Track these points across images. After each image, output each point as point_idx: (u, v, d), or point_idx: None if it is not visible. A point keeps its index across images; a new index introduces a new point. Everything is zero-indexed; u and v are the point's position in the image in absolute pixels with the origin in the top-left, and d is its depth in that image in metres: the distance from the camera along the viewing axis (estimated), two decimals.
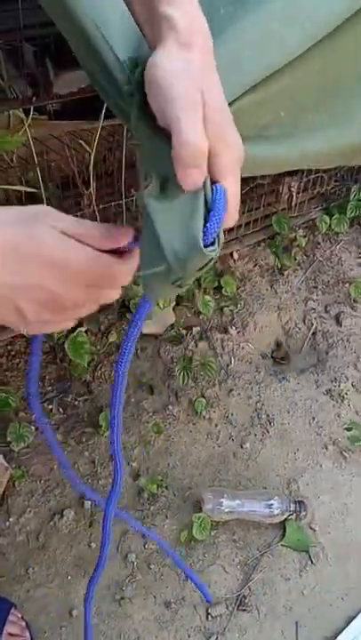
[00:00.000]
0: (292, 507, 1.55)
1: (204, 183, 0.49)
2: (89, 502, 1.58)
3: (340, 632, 1.38)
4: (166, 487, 1.63)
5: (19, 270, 0.51)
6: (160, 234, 0.49)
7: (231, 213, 0.51)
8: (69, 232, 0.53)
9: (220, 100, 0.50)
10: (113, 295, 0.58)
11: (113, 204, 1.79)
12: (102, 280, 0.55)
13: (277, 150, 0.65)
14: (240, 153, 0.52)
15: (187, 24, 0.50)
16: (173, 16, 0.50)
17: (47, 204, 1.65)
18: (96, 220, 1.76)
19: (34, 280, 0.52)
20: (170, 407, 1.80)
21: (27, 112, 1.46)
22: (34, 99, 1.43)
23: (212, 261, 0.51)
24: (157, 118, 0.50)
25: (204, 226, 0.49)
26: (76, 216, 1.79)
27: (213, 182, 0.50)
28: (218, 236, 0.49)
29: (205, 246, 0.48)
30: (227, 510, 1.53)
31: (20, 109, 1.44)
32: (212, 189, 0.49)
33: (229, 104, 0.55)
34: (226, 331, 2.01)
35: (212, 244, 0.49)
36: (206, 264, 0.50)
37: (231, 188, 0.51)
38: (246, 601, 1.44)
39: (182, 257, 0.49)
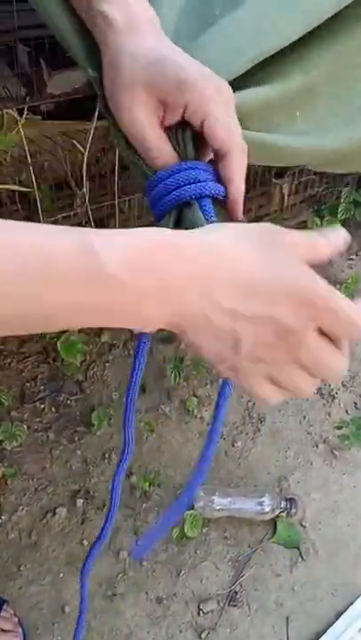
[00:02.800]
0: (283, 504, 1.56)
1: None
2: (81, 500, 1.59)
3: (330, 626, 1.40)
4: (158, 485, 1.64)
5: (254, 301, 0.45)
6: None
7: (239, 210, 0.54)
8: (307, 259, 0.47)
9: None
10: (337, 367, 0.48)
11: (106, 204, 1.80)
12: (344, 332, 0.47)
13: (298, 142, 0.66)
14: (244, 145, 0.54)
15: (121, 12, 0.52)
16: (109, 13, 0.52)
17: (40, 205, 1.66)
18: (88, 221, 1.77)
19: (267, 311, 0.45)
20: (162, 406, 1.81)
21: (20, 112, 1.47)
22: (27, 99, 1.44)
23: None
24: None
25: None
26: (69, 216, 1.79)
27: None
28: None
29: None
30: (218, 508, 1.54)
31: (14, 109, 1.45)
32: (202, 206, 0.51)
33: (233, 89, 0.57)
34: None
35: None
36: None
37: (240, 188, 0.53)
38: (237, 597, 1.45)
39: None
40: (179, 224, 0.53)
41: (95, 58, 0.56)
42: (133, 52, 0.51)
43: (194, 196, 0.52)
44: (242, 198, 0.53)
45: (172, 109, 0.51)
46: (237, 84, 0.58)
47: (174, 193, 0.52)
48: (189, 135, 0.53)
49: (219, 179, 0.53)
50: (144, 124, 0.52)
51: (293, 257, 0.46)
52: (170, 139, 0.53)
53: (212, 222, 0.51)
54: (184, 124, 0.53)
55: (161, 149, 0.53)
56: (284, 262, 0.45)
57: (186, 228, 0.48)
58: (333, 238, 0.50)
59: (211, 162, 0.55)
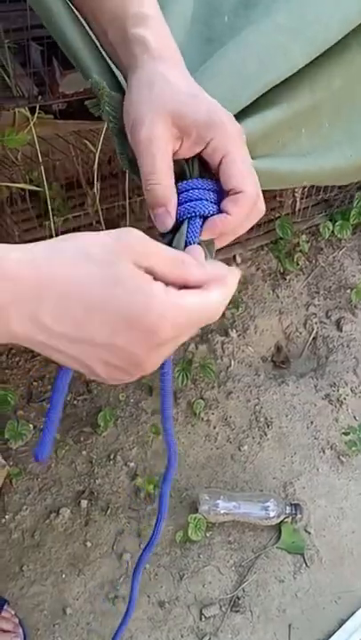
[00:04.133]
0: (288, 509, 1.55)
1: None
2: (85, 501, 1.59)
3: (333, 635, 1.38)
4: None
5: (87, 325, 0.42)
6: None
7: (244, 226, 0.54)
8: (159, 274, 0.44)
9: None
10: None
11: (117, 204, 1.80)
12: (190, 329, 0.46)
13: (298, 166, 0.66)
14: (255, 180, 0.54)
15: (157, 41, 0.55)
16: (145, 36, 0.55)
17: (51, 204, 1.66)
18: (99, 221, 1.77)
19: (103, 338, 0.42)
20: None
21: (32, 111, 1.48)
22: (40, 97, 1.44)
23: None
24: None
25: None
26: (79, 216, 1.79)
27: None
28: None
29: None
30: (222, 512, 1.53)
31: (26, 108, 1.46)
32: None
33: (241, 117, 0.57)
34: (226, 333, 2.01)
35: None
36: None
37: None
38: (240, 602, 1.44)
39: None
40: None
41: (106, 72, 0.58)
42: (166, 78, 0.53)
43: (184, 217, 0.53)
44: (230, 236, 0.54)
45: (193, 143, 0.53)
46: (246, 109, 0.58)
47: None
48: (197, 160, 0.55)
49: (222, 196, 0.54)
50: (158, 149, 0.52)
51: (135, 271, 0.42)
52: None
53: (192, 244, 0.52)
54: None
55: (162, 181, 0.53)
56: (121, 278, 0.42)
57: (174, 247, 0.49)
58: (215, 269, 0.47)
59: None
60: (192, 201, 0.53)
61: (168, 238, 0.53)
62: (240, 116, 0.58)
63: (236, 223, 0.53)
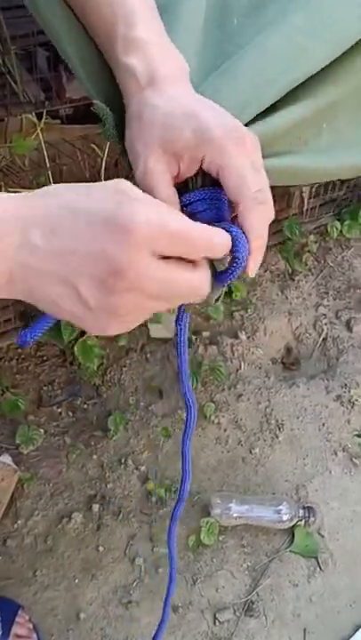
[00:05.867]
0: (301, 513, 1.54)
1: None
2: (97, 506, 1.58)
3: (348, 639, 1.37)
4: (175, 491, 1.62)
5: (73, 236, 0.44)
6: None
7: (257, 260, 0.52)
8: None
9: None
10: (193, 288, 0.47)
11: None
12: (181, 249, 0.45)
13: (318, 163, 0.65)
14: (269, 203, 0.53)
15: (148, 65, 0.54)
16: (133, 64, 0.54)
17: None
18: None
19: (92, 245, 0.43)
20: (179, 411, 1.80)
21: (39, 116, 1.47)
22: (46, 103, 1.44)
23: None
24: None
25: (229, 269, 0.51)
26: None
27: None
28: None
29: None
30: (235, 515, 1.53)
31: (33, 113, 1.45)
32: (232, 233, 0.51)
33: (264, 117, 0.56)
34: (236, 335, 2.01)
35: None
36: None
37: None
38: (254, 607, 1.43)
39: None
40: None
41: (111, 95, 0.58)
42: (154, 107, 0.53)
43: None
44: (258, 252, 0.52)
45: (188, 164, 0.52)
46: (268, 109, 0.57)
47: None
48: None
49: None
50: (157, 181, 0.53)
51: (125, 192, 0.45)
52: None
53: None
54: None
55: (163, 198, 0.53)
56: (107, 191, 0.45)
57: None
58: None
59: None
60: (197, 213, 0.53)
61: None
62: (262, 113, 0.57)
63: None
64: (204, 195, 0.54)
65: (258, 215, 0.51)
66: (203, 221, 0.48)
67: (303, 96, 0.60)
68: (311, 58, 0.59)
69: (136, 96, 0.55)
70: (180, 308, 0.57)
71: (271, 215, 0.53)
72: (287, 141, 0.61)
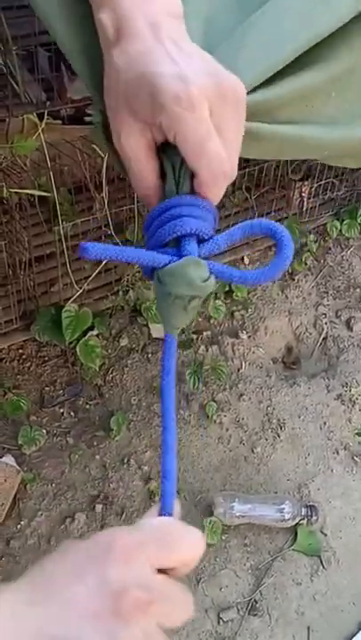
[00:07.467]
0: (304, 511, 1.55)
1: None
2: (100, 506, 1.58)
3: (352, 637, 1.38)
4: (177, 491, 1.62)
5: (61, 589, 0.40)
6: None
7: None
8: None
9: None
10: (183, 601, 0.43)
11: (125, 208, 1.79)
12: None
13: (323, 134, 0.63)
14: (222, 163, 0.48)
15: (115, 20, 0.48)
16: (102, 19, 0.48)
17: (59, 209, 1.65)
18: (107, 224, 1.77)
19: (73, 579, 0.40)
20: (180, 411, 1.80)
21: (40, 117, 1.47)
22: (48, 103, 1.44)
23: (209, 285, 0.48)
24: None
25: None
26: (87, 221, 1.78)
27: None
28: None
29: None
30: (238, 514, 1.53)
31: (34, 114, 1.45)
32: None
33: (274, 80, 0.54)
34: (237, 335, 2.01)
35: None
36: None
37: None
38: (258, 605, 1.44)
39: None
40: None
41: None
42: (117, 70, 0.47)
43: (171, 237, 0.48)
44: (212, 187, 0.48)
45: (156, 129, 0.47)
46: (282, 69, 0.55)
47: (156, 233, 0.48)
48: (185, 166, 0.48)
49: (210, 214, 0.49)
50: (133, 154, 0.48)
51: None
52: (165, 167, 0.49)
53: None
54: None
55: (149, 184, 0.49)
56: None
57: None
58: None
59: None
60: (177, 218, 0.47)
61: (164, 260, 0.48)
62: (274, 77, 0.56)
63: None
64: (191, 201, 0.48)
65: (218, 187, 0.47)
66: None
67: (315, 60, 0.58)
68: (334, 8, 0.56)
69: (106, 56, 0.49)
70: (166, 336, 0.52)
71: (227, 176, 0.48)
72: (296, 109, 0.59)
